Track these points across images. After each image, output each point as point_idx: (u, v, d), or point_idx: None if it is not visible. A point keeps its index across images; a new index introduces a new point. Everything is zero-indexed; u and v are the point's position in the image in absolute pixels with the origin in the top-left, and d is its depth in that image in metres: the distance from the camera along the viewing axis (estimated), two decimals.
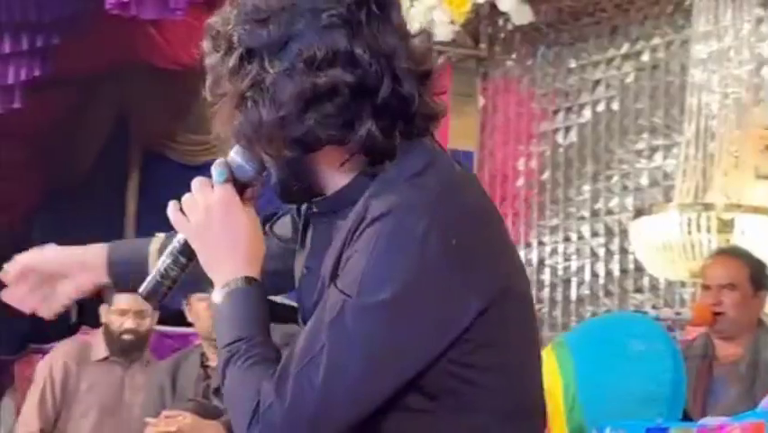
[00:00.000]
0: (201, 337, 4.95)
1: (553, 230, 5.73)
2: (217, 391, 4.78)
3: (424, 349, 1.83)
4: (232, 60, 1.87)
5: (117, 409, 5.43)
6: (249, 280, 1.92)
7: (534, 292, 6.00)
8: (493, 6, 5.47)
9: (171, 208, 1.95)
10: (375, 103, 1.85)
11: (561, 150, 5.70)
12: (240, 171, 1.94)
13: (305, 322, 1.87)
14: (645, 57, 5.34)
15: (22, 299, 2.19)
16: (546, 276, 5.81)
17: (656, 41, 5.28)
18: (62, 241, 2.64)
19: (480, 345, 1.86)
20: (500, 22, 5.90)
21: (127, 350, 5.41)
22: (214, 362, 4.88)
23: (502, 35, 5.97)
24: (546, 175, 5.75)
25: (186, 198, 1.95)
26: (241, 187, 1.94)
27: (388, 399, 1.82)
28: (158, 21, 7.35)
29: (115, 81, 9.08)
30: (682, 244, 4.41)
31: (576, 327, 4.59)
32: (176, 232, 1.96)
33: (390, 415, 1.85)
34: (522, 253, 5.94)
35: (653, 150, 5.31)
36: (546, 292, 5.80)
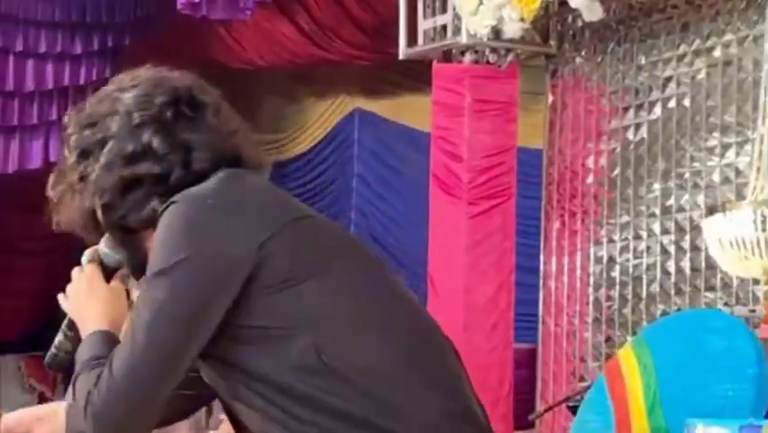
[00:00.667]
0: None
1: (624, 227, 5.64)
2: None
3: (212, 305, 2.07)
4: (70, 160, 2.21)
5: None
6: (105, 331, 2.20)
7: (603, 290, 5.98)
8: (563, 3, 5.39)
9: (60, 296, 2.31)
10: (167, 187, 2.14)
11: (631, 147, 5.60)
12: (107, 258, 2.28)
13: None
14: (717, 53, 5.22)
15: None
16: (616, 274, 5.70)
17: (729, 36, 5.16)
18: None
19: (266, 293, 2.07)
20: (570, 19, 5.83)
21: None
22: None
23: (571, 32, 5.89)
24: (616, 172, 5.66)
25: (68, 284, 2.28)
26: (111, 271, 2.29)
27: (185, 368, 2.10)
28: (228, 22, 7.33)
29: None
30: (756, 241, 4.32)
31: (654, 325, 4.49)
32: None
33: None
34: (592, 251, 5.89)
35: (725, 147, 5.19)
36: (616, 290, 5.70)
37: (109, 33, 7.70)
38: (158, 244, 2.10)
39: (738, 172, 5.11)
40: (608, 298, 5.73)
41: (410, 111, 8.02)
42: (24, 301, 9.69)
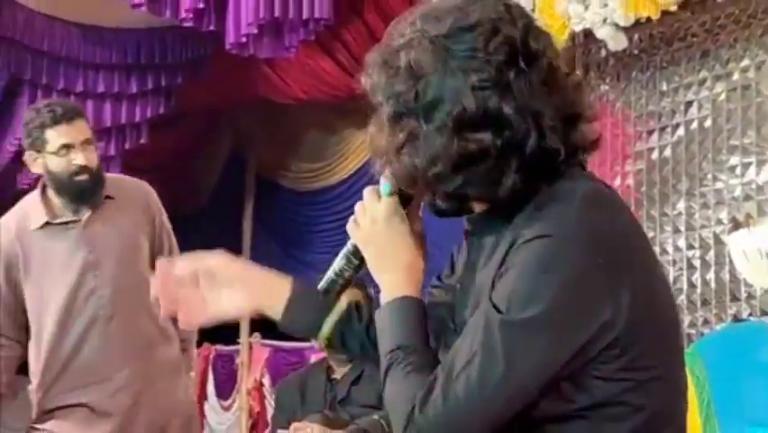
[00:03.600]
0: (327, 353, 4.87)
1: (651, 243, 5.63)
2: (342, 402, 4.75)
3: (560, 364, 1.80)
4: (390, 112, 1.87)
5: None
6: (407, 295, 1.93)
7: None
8: (588, 34, 5.39)
9: (350, 224, 2.00)
10: (522, 158, 1.81)
11: (655, 168, 5.58)
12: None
13: (458, 335, 1.86)
14: (736, 77, 5.20)
15: (175, 299, 2.06)
16: None
17: (746, 62, 5.14)
18: None
19: (626, 363, 1.83)
20: (594, 49, 5.82)
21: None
22: (338, 375, 4.85)
23: (596, 61, 5.88)
24: (642, 191, 5.63)
25: (357, 205, 1.99)
26: (406, 199, 1.96)
27: (522, 411, 1.80)
28: (273, 60, 7.36)
29: (232, 115, 9.14)
30: None
31: (704, 340, 4.46)
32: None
33: (547, 425, 1.84)
34: None
35: (745, 166, 5.17)
36: None
37: (162, 73, 7.74)
38: (522, 281, 1.81)
39: (759, 189, 5.09)
40: None
41: None
42: None
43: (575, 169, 1.91)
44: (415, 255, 1.98)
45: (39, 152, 4.22)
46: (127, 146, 7.80)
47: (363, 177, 8.80)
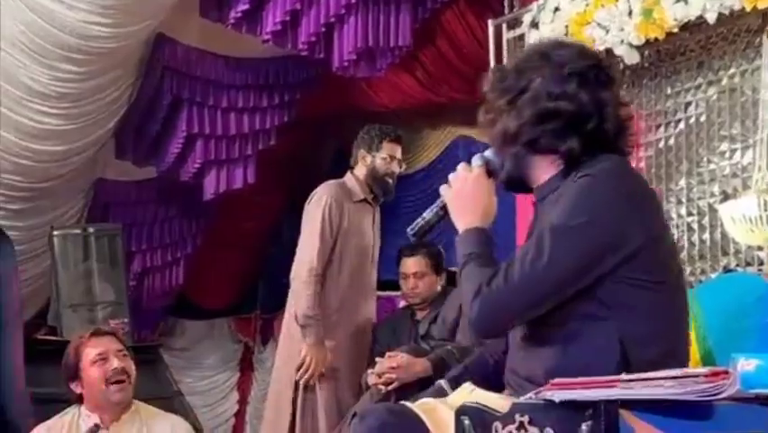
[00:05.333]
0: (408, 300, 4.87)
1: None
2: (423, 337, 4.72)
3: (600, 263, 1.88)
4: (495, 95, 2.07)
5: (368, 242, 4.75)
6: (480, 228, 2.06)
7: None
8: (608, 52, 5.28)
9: (443, 187, 2.13)
10: (583, 129, 1.99)
11: (662, 154, 5.45)
12: (491, 164, 2.11)
13: None
14: (725, 82, 5.06)
15: None
16: None
17: (733, 70, 5.00)
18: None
19: (644, 270, 1.90)
20: (613, 63, 5.70)
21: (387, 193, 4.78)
22: (420, 316, 4.83)
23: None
24: (652, 172, 5.51)
25: (452, 174, 2.12)
26: (488, 174, 2.12)
27: (563, 297, 1.87)
28: (368, 78, 7.33)
29: (337, 123, 9.13)
30: (758, 218, 4.23)
31: (701, 285, 4.37)
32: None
33: (573, 320, 1.90)
34: None
35: (733, 151, 5.03)
36: None
37: (285, 90, 7.77)
38: (570, 202, 1.92)
39: (743, 168, 4.95)
40: None
41: None
42: (234, 281, 9.81)
43: (612, 155, 2.05)
44: (489, 206, 2.07)
45: (369, 152, 4.66)
46: (260, 147, 7.83)
47: (437, 165, 8.76)
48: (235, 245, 9.33)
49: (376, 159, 4.70)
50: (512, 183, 2.09)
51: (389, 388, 4.31)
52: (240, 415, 10.47)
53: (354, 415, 3.01)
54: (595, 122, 1.98)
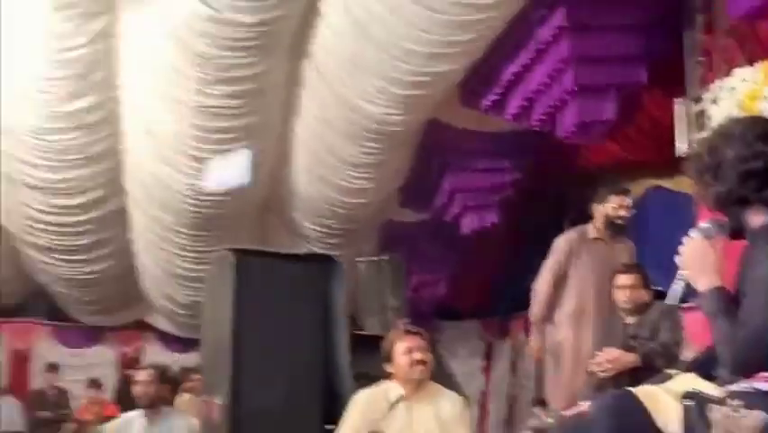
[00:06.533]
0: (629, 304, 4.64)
1: None
2: (632, 338, 4.53)
3: None
4: (704, 168, 2.03)
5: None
6: (719, 287, 1.99)
7: None
8: None
9: (678, 257, 2.06)
10: None
11: None
12: (704, 232, 2.02)
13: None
14: None
15: None
16: None
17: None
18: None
19: None
20: None
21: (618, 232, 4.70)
22: (628, 321, 4.63)
23: None
24: None
25: (681, 247, 2.06)
26: (726, 231, 2.06)
27: None
28: (582, 143, 7.44)
29: (556, 175, 9.06)
30: None
31: None
32: None
33: None
34: None
35: None
36: None
37: (519, 156, 8.20)
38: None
39: None
40: None
41: (688, 185, 7.43)
42: (481, 286, 10.27)
43: None
44: (717, 265, 2.00)
45: (601, 203, 4.74)
46: (507, 194, 8.26)
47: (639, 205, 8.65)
48: (481, 267, 9.84)
49: (607, 208, 4.80)
50: (735, 234, 2.01)
51: (606, 375, 4.28)
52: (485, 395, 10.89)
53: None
54: None
